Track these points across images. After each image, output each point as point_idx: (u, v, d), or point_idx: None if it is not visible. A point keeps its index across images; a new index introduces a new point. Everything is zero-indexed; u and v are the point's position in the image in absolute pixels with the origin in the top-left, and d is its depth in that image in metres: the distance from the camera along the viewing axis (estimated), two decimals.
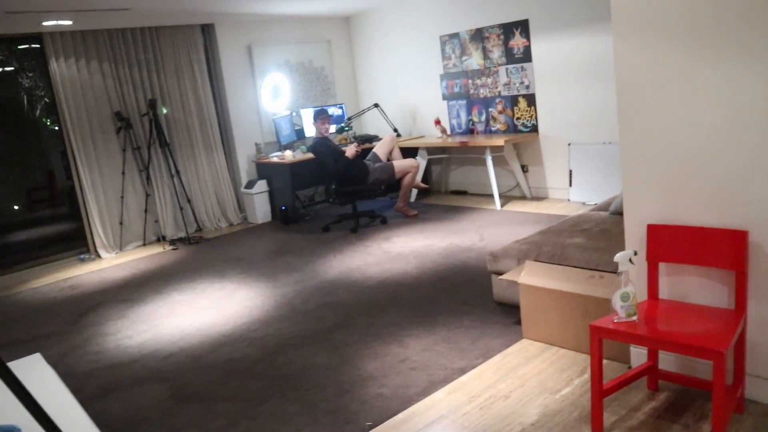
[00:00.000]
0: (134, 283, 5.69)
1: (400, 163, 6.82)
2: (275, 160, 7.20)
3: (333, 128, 7.51)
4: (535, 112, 6.67)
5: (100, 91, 6.80)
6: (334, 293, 4.65)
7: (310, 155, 6.89)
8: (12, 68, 6.76)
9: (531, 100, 6.66)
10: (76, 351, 4.25)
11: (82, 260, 6.84)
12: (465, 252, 5.23)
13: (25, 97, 6.71)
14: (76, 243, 7.02)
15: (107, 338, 4.40)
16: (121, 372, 3.82)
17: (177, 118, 7.28)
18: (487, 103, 7.06)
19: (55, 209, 7.19)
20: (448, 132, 7.50)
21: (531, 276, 3.47)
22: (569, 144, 6.48)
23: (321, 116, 6.47)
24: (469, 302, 4.13)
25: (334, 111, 7.98)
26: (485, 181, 7.35)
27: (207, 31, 7.49)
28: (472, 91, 7.19)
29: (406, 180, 6.81)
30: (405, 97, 8.01)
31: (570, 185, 6.53)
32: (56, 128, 6.74)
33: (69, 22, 6.17)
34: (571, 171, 6.51)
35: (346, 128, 7.64)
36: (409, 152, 7.44)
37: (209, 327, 4.35)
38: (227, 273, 5.59)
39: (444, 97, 7.52)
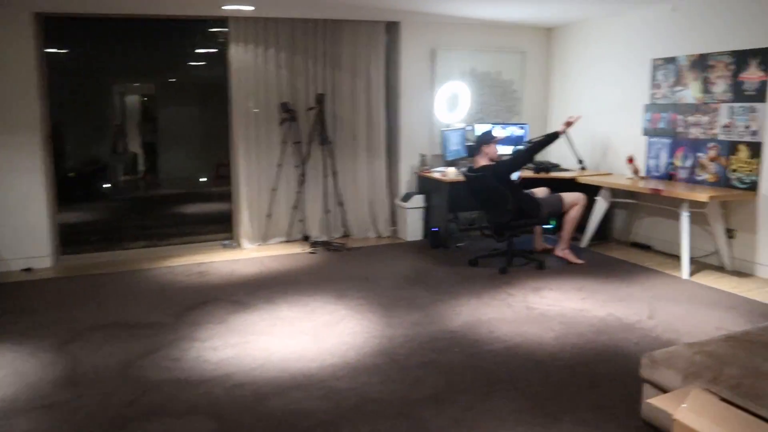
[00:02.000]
0: (256, 283, 5.28)
1: (567, 195, 5.75)
2: (437, 175, 6.46)
3: (509, 150, 6.58)
4: (759, 166, 5.22)
5: (271, 80, 6.53)
6: (447, 351, 3.80)
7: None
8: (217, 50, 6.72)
9: (756, 150, 5.22)
10: (159, 351, 3.86)
11: (224, 246, 6.65)
12: (625, 330, 4.09)
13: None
14: (227, 227, 6.86)
15: (194, 344, 3.97)
16: (182, 392, 3.32)
17: (344, 117, 6.82)
18: (696, 146, 5.71)
19: (226, 188, 7.12)
20: (642, 173, 6.23)
21: (695, 413, 2.37)
22: None
23: (485, 140, 5.61)
24: (608, 409, 3.06)
25: (514, 131, 7.04)
26: (676, 239, 6.00)
27: (391, 29, 6.94)
28: (680, 129, 5.87)
29: (571, 214, 5.73)
30: (598, 125, 6.84)
31: None
32: (256, 110, 6.59)
33: (250, 8, 5.93)
34: None
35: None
36: (591, 191, 6.31)
37: (296, 359, 3.72)
38: (347, 294, 4.96)
39: (645, 132, 6.26)
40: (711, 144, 5.62)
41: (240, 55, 6.39)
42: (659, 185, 5.65)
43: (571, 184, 6.37)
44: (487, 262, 5.80)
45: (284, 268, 5.79)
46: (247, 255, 6.31)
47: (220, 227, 7.05)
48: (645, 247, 6.30)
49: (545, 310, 4.48)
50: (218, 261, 6.11)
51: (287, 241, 6.81)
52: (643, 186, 5.65)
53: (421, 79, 6.95)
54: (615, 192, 6.26)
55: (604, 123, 6.76)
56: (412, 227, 6.74)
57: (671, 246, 6.06)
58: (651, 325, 4.19)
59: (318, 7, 5.99)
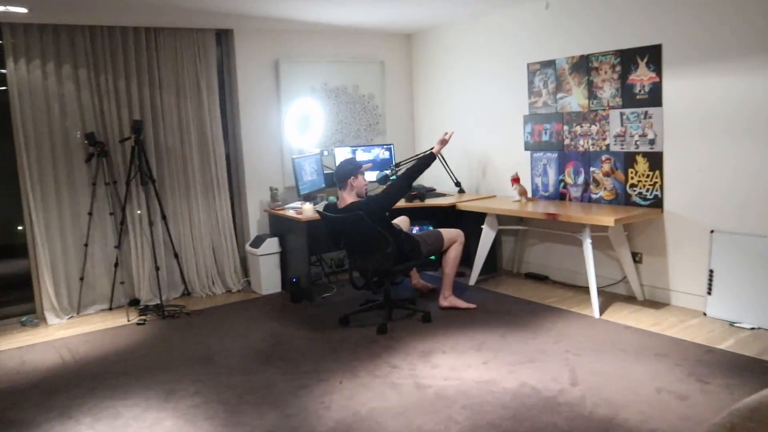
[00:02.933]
0: (51, 382, 3.79)
1: (447, 231, 4.79)
2: (291, 213, 5.27)
3: (374, 175, 5.53)
4: (661, 179, 4.52)
5: (70, 104, 5.05)
6: None
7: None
8: None
9: (656, 161, 4.53)
10: None
11: (23, 324, 5.05)
12: (547, 408, 3.09)
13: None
14: (28, 295, 5.24)
15: None
16: None
17: (171, 147, 5.45)
18: (587, 159, 4.96)
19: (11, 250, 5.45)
20: (529, 194, 5.41)
21: None
22: (711, 231, 4.29)
23: (351, 172, 4.48)
24: None
25: (379, 153, 6.03)
26: (577, 268, 5.21)
27: (223, 38, 5.70)
28: (567, 142, 5.11)
29: (451, 255, 4.77)
30: (474, 142, 5.98)
31: (709, 292, 4.31)
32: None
33: (23, 10, 4.45)
34: (711, 272, 4.30)
35: (393, 176, 5.66)
36: (473, 218, 5.39)
37: None
38: (178, 389, 3.62)
39: (527, 147, 5.46)
40: (604, 156, 4.88)
41: (22, 74, 4.87)
42: (553, 210, 4.83)
43: (451, 213, 5.43)
44: (360, 319, 4.67)
45: (97, 352, 4.32)
46: (51, 335, 4.75)
47: (18, 300, 5.39)
48: (541, 278, 5.46)
49: (441, 388, 3.41)
50: (5, 349, 4.51)
51: (110, 309, 5.32)
52: (532, 210, 4.81)
53: (264, 96, 5.75)
54: (502, 219, 5.39)
55: (481, 139, 5.91)
56: (268, 278, 5.49)
57: (571, 275, 5.26)
58: (577, 395, 3.24)
59: (126, 12, 4.63)
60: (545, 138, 5.30)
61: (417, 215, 5.72)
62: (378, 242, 4.33)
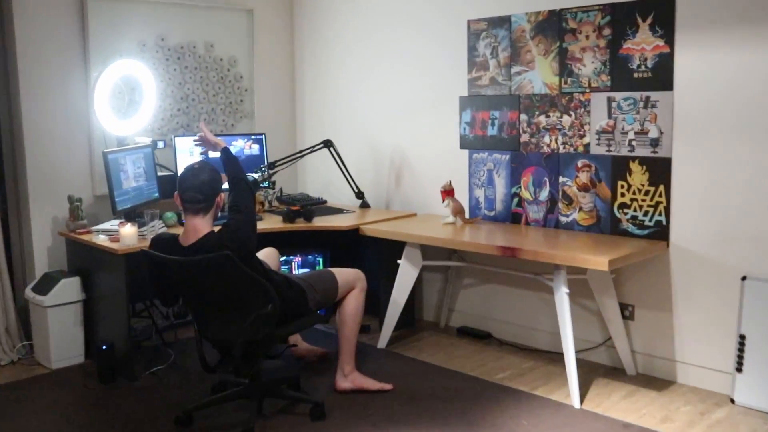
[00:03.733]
0: None
1: (341, 273, 3.57)
2: (101, 239, 3.80)
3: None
4: (667, 198, 3.51)
5: None
6: None
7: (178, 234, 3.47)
8: None
9: (660, 170, 3.52)
10: None
11: None
12: None
13: None
14: None
15: None
16: None
17: None
18: (555, 165, 3.89)
19: None
20: (467, 214, 4.25)
21: None
22: (743, 278, 3.31)
23: (219, 186, 3.15)
24: None
25: (244, 147, 4.66)
26: (535, 323, 4.13)
27: None
28: (525, 138, 4.01)
29: (349, 309, 3.56)
30: (385, 136, 4.76)
31: (739, 368, 3.34)
32: None
33: None
34: (743, 338, 3.33)
35: (264, 183, 4.33)
36: (385, 247, 4.17)
37: None
38: None
39: (464, 143, 4.31)
40: (581, 162, 3.81)
41: None
42: (505, 238, 3.70)
43: (351, 240, 4.19)
44: (212, 416, 3.30)
45: None
46: None
47: None
48: (481, 336, 4.32)
49: None
50: None
51: None
52: (475, 240, 3.65)
53: (61, 56, 4.21)
54: (428, 250, 4.17)
55: (396, 131, 4.69)
56: (62, 342, 3.94)
57: (526, 334, 4.16)
58: None
59: None
60: (492, 131, 4.17)
61: (298, 242, 4.41)
62: (250, 297, 3.01)
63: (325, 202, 4.87)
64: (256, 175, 4.26)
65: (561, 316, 3.44)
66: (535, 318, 4.15)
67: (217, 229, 3.11)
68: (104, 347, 3.76)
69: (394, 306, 4.13)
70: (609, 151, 3.72)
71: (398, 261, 4.09)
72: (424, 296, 4.68)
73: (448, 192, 4.14)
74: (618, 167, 3.70)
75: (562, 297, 3.42)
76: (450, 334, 4.45)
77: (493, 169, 4.21)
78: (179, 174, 3.13)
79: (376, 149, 4.84)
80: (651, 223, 3.61)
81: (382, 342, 4.18)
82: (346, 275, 3.58)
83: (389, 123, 4.74)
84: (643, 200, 3.62)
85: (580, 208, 3.86)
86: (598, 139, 3.75)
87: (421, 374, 3.81)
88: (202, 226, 3.07)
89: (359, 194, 4.68)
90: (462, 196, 4.25)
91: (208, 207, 3.06)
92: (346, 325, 3.58)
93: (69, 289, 3.95)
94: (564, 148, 3.89)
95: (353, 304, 3.58)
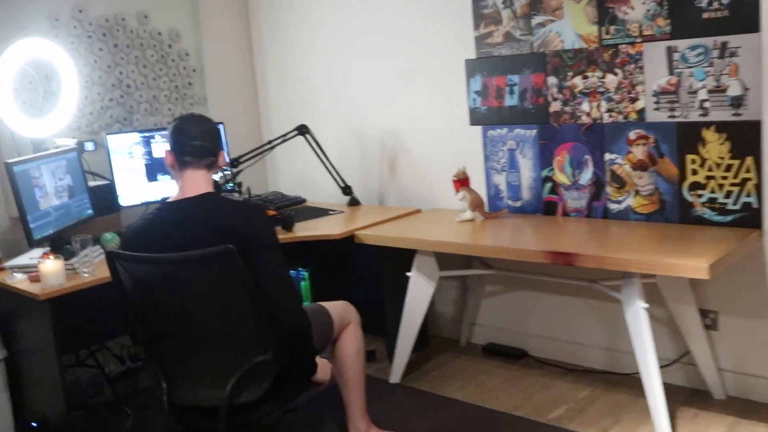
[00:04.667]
0: None
1: (333, 307, 2.61)
2: (17, 279, 2.77)
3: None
4: (758, 173, 2.64)
5: None
6: None
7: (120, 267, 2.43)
8: None
9: (746, 138, 2.63)
10: None
11: None
12: None
13: None
14: None
15: None
16: None
17: None
18: (599, 139, 2.97)
19: None
20: (486, 207, 3.32)
21: None
22: None
23: (219, 140, 2.40)
24: None
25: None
26: (585, 337, 3.23)
27: None
28: (557, 107, 3.08)
29: (350, 350, 2.61)
30: (374, 115, 3.77)
31: None
32: None
33: None
34: None
35: (227, 186, 3.34)
36: (387, 252, 3.22)
37: None
38: None
39: (476, 118, 3.36)
40: (634, 133, 2.91)
41: None
42: (552, 240, 2.80)
43: (340, 248, 3.24)
44: None
45: None
46: None
47: None
48: (514, 355, 3.41)
49: None
50: None
51: None
52: (512, 247, 2.74)
53: None
54: (443, 259, 3.21)
55: (388, 110, 3.69)
56: None
57: (571, 350, 3.24)
58: None
59: None
60: (511, 101, 3.22)
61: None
62: (255, 331, 2.09)
63: (304, 201, 3.88)
64: (216, 177, 3.28)
65: (638, 337, 2.52)
66: (583, 331, 3.23)
67: None
68: (34, 425, 2.76)
69: (408, 330, 3.16)
70: (672, 116, 2.80)
71: (406, 274, 3.15)
72: (436, 308, 3.70)
73: (462, 181, 3.19)
74: (686, 137, 2.78)
75: (638, 313, 2.51)
76: (475, 355, 3.50)
77: (516, 148, 3.27)
78: (173, 126, 2.26)
79: (362, 133, 3.83)
80: (736, 207, 2.71)
81: (395, 375, 3.22)
82: (337, 308, 2.60)
83: (377, 100, 3.71)
84: (724, 177, 2.72)
85: (637, 192, 2.95)
86: (657, 103, 2.83)
87: (453, 419, 2.88)
88: (205, 182, 2.23)
89: (346, 189, 3.70)
90: (478, 185, 3.29)
91: (215, 162, 2.29)
92: (351, 370, 2.62)
93: None
94: (610, 116, 2.96)
95: (354, 343, 2.60)
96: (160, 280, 2.08)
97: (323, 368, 2.40)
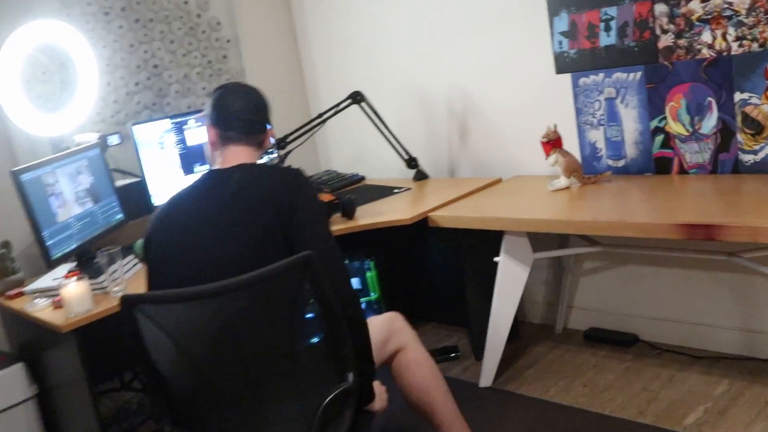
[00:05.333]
0: None
1: (378, 324, 1.98)
2: (39, 306, 2.31)
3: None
4: None
5: None
6: None
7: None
8: None
9: None
10: None
11: None
12: None
13: None
14: None
15: None
16: None
17: None
18: (727, 75, 2.32)
19: None
20: (584, 171, 2.72)
21: None
22: None
23: (268, 115, 1.95)
24: None
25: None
26: (715, 317, 2.60)
27: None
28: (668, 41, 2.42)
29: (425, 373, 1.98)
30: (436, 77, 3.17)
31: None
32: None
33: None
34: None
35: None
36: (463, 240, 2.67)
37: None
38: None
39: (562, 64, 2.73)
40: None
41: None
42: (667, 206, 2.20)
43: (407, 233, 2.72)
44: None
45: None
46: None
47: None
48: (623, 342, 2.82)
49: None
50: None
51: None
52: (633, 221, 2.15)
53: None
54: (536, 239, 2.64)
55: (454, 66, 3.07)
56: None
57: (695, 332, 2.62)
58: None
59: None
60: (608, 39, 2.59)
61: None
62: (329, 352, 1.60)
63: (363, 178, 3.35)
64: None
65: None
66: (710, 310, 2.61)
67: None
68: None
69: (499, 325, 2.61)
70: None
71: (493, 259, 2.60)
72: (525, 290, 3.14)
73: (553, 143, 2.59)
74: None
75: None
76: (576, 344, 2.92)
77: (616, 96, 2.64)
78: (216, 97, 1.89)
79: (424, 96, 3.23)
80: None
81: (486, 378, 2.67)
82: (383, 323, 2.01)
83: (439, 56, 3.10)
84: None
85: None
86: None
87: (562, 428, 2.38)
88: (247, 158, 1.85)
89: (411, 161, 3.13)
90: (569, 145, 2.69)
91: (263, 141, 1.91)
92: (437, 401, 1.97)
93: (12, 382, 2.49)
94: (740, 46, 2.31)
95: (425, 365, 1.99)
96: (206, 324, 1.50)
97: (380, 394, 1.87)
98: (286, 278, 1.50)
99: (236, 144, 1.83)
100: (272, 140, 1.99)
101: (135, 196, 2.76)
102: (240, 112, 1.83)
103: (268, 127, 1.91)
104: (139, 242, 2.58)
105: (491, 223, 2.47)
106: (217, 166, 1.84)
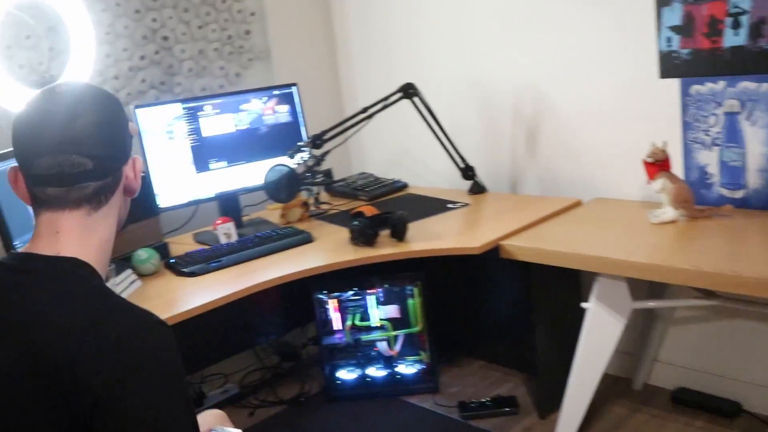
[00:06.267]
0: None
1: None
2: None
3: (260, 175, 2.10)
4: None
5: None
6: None
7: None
8: None
9: None
10: None
11: None
12: None
13: None
14: None
15: None
16: None
17: None
18: None
19: None
20: (693, 202, 2.19)
21: None
22: None
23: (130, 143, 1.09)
24: None
25: (262, 111, 2.54)
26: None
27: None
28: None
29: None
30: (501, 74, 2.59)
31: None
32: None
33: None
34: None
35: (308, 175, 2.27)
36: (537, 276, 2.13)
37: None
38: None
39: (670, 69, 2.15)
40: None
41: None
42: None
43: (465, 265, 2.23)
44: None
45: None
46: None
47: None
48: (723, 411, 2.28)
49: None
50: None
51: None
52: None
53: None
54: (637, 285, 2.07)
55: (524, 62, 2.49)
56: None
57: None
58: None
59: None
60: (734, 39, 2.03)
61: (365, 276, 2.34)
62: None
63: (405, 186, 2.80)
64: (294, 162, 2.22)
65: None
66: None
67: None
68: None
69: (582, 384, 2.04)
70: None
71: (581, 305, 2.06)
72: None
73: (660, 164, 2.05)
74: None
75: None
76: (661, 407, 2.33)
77: (741, 111, 2.09)
78: (15, 118, 1.03)
79: (485, 95, 2.64)
80: None
81: None
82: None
83: (507, 48, 2.54)
84: None
85: None
86: None
87: None
88: (80, 234, 1.02)
89: (467, 170, 2.57)
90: (676, 167, 2.17)
91: (110, 186, 1.06)
92: None
93: None
94: None
95: None
96: None
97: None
98: None
99: (51, 209, 1.02)
100: (135, 187, 1.13)
101: (136, 196, 2.19)
102: (43, 158, 0.99)
103: (126, 155, 1.09)
104: (140, 253, 2.03)
105: (584, 262, 1.92)
106: (28, 245, 1.04)
